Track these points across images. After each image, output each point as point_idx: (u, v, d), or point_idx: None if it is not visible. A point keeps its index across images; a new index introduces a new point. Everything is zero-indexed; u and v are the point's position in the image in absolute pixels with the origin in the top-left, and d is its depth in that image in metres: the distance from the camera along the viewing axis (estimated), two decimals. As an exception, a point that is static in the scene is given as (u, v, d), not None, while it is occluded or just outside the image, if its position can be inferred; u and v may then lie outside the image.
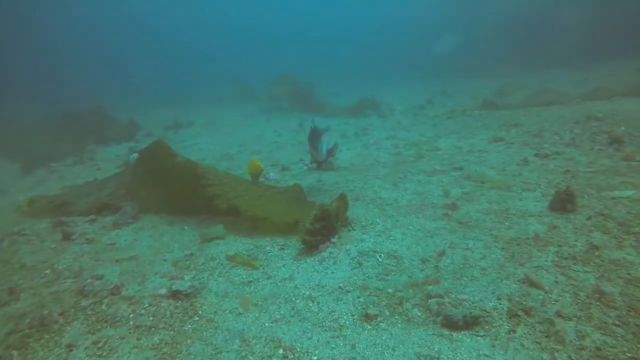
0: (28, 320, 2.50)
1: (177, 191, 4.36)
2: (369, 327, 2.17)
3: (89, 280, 2.89)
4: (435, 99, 12.30)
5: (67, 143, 8.63)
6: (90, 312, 2.55)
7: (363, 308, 2.33)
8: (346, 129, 9.16)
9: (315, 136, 5.90)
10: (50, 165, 7.28)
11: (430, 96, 12.56)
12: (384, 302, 2.37)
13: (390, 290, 2.47)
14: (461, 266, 2.67)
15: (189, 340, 2.17)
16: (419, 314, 2.26)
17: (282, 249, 3.17)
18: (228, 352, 2.07)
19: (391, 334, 2.11)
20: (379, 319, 2.22)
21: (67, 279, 3.05)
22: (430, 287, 2.45)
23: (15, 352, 2.20)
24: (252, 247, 3.27)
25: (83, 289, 2.78)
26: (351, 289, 2.53)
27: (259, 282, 2.71)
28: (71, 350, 2.19)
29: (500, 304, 2.21)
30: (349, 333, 2.13)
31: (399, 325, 2.18)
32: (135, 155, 7.42)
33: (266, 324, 2.26)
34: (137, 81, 22.59)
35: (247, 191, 4.08)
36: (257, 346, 2.09)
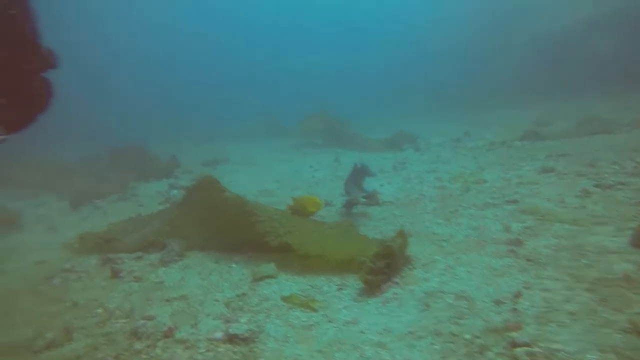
0: (83, 364, 2.41)
1: (224, 228, 4.31)
2: (452, 380, 1.93)
3: (141, 322, 2.79)
4: (471, 130, 12.08)
5: (111, 180, 8.90)
6: (145, 357, 2.42)
7: (441, 357, 2.10)
8: (384, 163, 9.03)
9: (358, 176, 5.83)
10: (94, 202, 7.46)
11: (465, 128, 12.35)
12: (462, 350, 2.13)
13: (467, 337, 2.23)
14: (544, 310, 2.40)
15: (253, 392, 2.00)
16: (506, 366, 2.01)
17: (340, 289, 2.99)
18: (296, 406, 1.88)
19: (478, 389, 1.88)
20: (462, 371, 1.98)
21: (119, 319, 2.97)
22: (513, 334, 2.20)
23: (71, 400, 2.09)
24: (307, 286, 3.11)
25: (136, 331, 2.67)
26: (423, 334, 2.31)
27: (320, 325, 2.53)
28: (129, 400, 2.06)
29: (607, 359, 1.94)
30: (430, 387, 1.91)
31: (486, 379, 1.94)
32: (176, 191, 7.55)
33: (335, 375, 2.07)
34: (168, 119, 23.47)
35: (297, 227, 3.96)
36: (329, 400, 1.89)
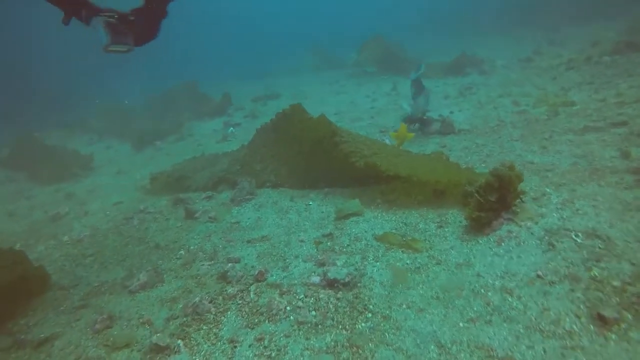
0: (181, 306, 2.33)
1: (307, 155, 4.07)
2: (613, 336, 1.62)
3: (229, 265, 2.67)
4: (543, 49, 10.73)
5: (168, 121, 8.89)
6: (240, 302, 2.31)
7: (587, 307, 1.78)
8: (447, 89, 8.27)
9: (417, 88, 5.41)
10: (155, 143, 7.49)
11: (535, 47, 10.99)
12: (614, 300, 1.79)
13: (616, 284, 1.87)
14: None
15: (370, 344, 1.80)
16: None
17: (440, 226, 2.68)
18: (424, 360, 1.67)
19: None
20: (622, 326, 1.65)
21: (203, 262, 2.88)
22: (677, 280, 1.82)
23: (180, 342, 2.02)
24: (400, 224, 2.83)
25: (225, 275, 2.56)
26: (556, 278, 1.99)
27: (429, 268, 2.27)
28: (235, 347, 1.95)
29: None
30: (586, 344, 1.61)
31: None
32: (232, 129, 7.37)
33: (461, 324, 1.82)
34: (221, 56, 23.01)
35: (382, 150, 3.62)
36: (462, 354, 1.66)
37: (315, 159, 4.05)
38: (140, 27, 2.36)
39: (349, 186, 3.80)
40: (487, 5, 20.07)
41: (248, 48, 26.13)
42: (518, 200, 2.58)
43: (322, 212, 3.37)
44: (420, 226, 2.74)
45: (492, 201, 2.43)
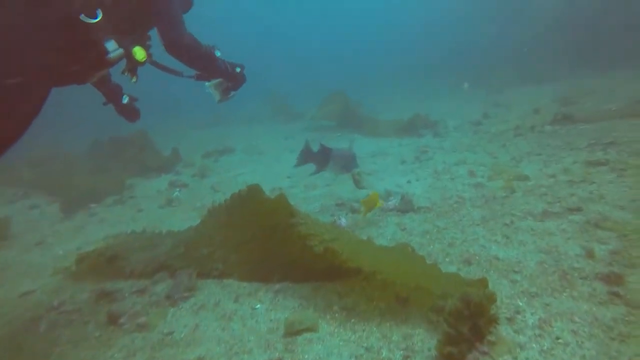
0: None
1: (261, 241, 3.69)
2: None
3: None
4: (491, 111, 11.26)
5: (108, 177, 8.14)
6: None
7: None
8: (403, 151, 8.29)
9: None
10: (90, 206, 6.73)
11: (483, 108, 11.52)
12: None
13: None
14: None
15: None
16: None
17: (406, 356, 2.30)
18: None
19: None
20: None
21: (120, 399, 2.30)
22: None
23: None
24: (360, 349, 2.43)
25: None
26: None
27: None
28: None
29: None
30: None
31: None
32: (177, 192, 6.82)
33: None
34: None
35: (343, 236, 3.33)
36: None
37: (269, 246, 3.67)
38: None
39: (304, 280, 3.40)
40: (439, 65, 21.31)
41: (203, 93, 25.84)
42: (495, 324, 2.28)
43: (271, 320, 2.91)
44: (384, 354, 2.35)
45: (464, 332, 2.11)
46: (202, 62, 3.40)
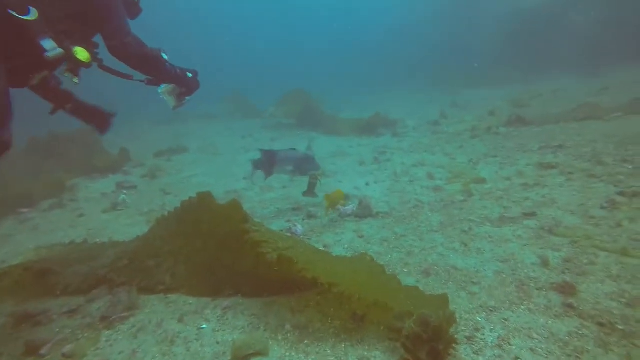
0: None
1: (212, 252, 3.41)
2: None
3: None
4: (448, 112, 11.47)
5: (46, 178, 7.43)
6: None
7: None
8: (362, 152, 8.21)
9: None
10: (21, 211, 6.10)
11: (440, 109, 11.71)
12: None
13: None
14: None
15: None
16: None
17: (361, 384, 2.14)
18: None
19: None
20: None
21: None
22: None
23: None
24: (314, 377, 2.24)
25: None
26: None
27: None
28: None
29: None
30: None
31: None
32: (124, 196, 6.34)
33: None
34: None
35: (299, 246, 3.15)
36: None
37: (221, 256, 3.41)
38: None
39: (256, 294, 3.18)
40: (400, 64, 21.57)
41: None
42: (451, 349, 2.17)
43: (218, 342, 2.67)
44: (339, 381, 2.18)
45: (422, 358, 1.97)
46: (148, 65, 3.30)
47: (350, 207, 4.75)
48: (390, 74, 21.16)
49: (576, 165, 5.42)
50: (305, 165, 4.82)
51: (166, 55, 3.40)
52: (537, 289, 2.80)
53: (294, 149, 4.90)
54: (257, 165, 4.91)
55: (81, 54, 2.83)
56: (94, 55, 3.05)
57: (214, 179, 7.30)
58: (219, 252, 3.43)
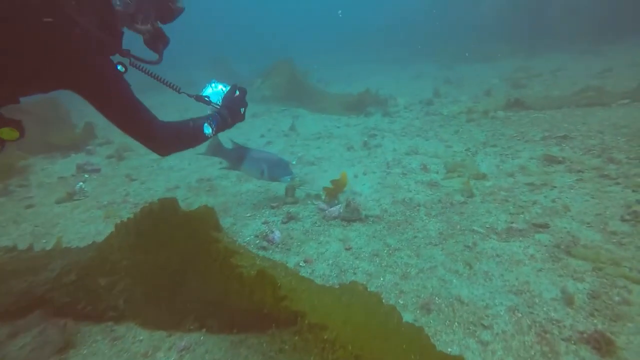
0: None
1: (175, 271, 2.84)
2: None
3: None
4: (441, 89, 10.79)
5: (-6, 158, 6.59)
6: None
7: None
8: (350, 134, 7.55)
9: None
10: (-41, 200, 5.32)
11: (434, 86, 11.01)
12: None
13: None
14: None
15: None
16: None
17: None
18: None
19: None
20: None
21: None
22: None
23: None
24: None
25: None
26: None
27: None
28: None
29: None
30: None
31: None
32: (82, 183, 5.61)
33: None
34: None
35: (280, 268, 2.61)
36: None
37: (185, 278, 2.83)
38: None
39: (225, 327, 2.62)
40: (393, 36, 20.56)
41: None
42: None
43: (170, 406, 2.11)
44: None
45: None
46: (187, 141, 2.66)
47: (337, 208, 4.16)
48: (387, 43, 20.16)
49: (585, 162, 4.91)
50: (276, 169, 4.27)
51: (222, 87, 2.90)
52: (563, 340, 2.30)
53: (268, 152, 4.42)
54: (217, 150, 4.31)
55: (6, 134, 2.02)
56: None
57: (186, 161, 6.59)
58: (183, 272, 2.85)
